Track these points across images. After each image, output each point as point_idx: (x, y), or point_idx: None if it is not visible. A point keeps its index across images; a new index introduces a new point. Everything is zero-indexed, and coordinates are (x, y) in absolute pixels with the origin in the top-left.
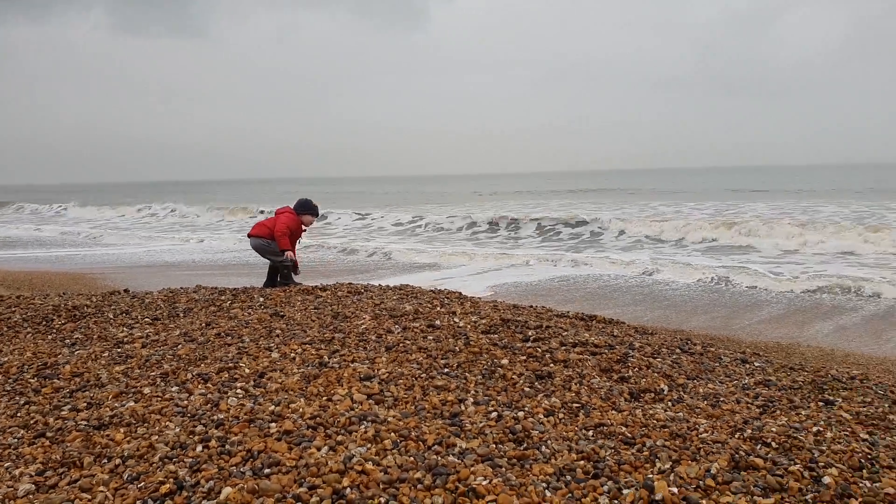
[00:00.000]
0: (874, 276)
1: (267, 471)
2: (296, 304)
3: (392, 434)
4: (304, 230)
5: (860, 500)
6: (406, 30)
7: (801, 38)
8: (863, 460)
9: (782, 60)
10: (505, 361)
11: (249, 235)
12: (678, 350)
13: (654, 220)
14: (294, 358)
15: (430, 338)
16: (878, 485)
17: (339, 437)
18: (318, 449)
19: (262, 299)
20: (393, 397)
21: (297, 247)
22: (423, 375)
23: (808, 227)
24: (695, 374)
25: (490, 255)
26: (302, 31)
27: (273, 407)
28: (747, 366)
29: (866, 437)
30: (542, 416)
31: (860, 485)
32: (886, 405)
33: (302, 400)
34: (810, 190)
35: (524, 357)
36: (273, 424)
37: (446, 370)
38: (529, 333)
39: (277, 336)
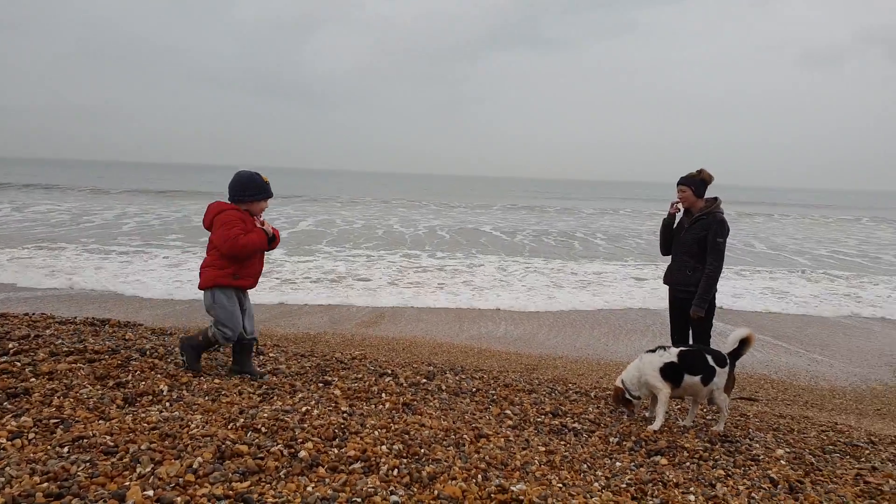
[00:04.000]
0: None
1: None
2: None
3: None
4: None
5: (327, 466)
6: None
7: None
8: (337, 430)
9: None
10: None
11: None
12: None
13: None
14: None
15: None
16: (343, 450)
17: None
18: None
19: None
20: None
21: None
22: None
23: None
24: (205, 371)
25: None
26: None
27: None
28: (262, 357)
29: (346, 408)
30: (4, 441)
31: (330, 453)
32: (374, 378)
33: None
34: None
35: None
36: None
37: None
38: (10, 346)
39: None
